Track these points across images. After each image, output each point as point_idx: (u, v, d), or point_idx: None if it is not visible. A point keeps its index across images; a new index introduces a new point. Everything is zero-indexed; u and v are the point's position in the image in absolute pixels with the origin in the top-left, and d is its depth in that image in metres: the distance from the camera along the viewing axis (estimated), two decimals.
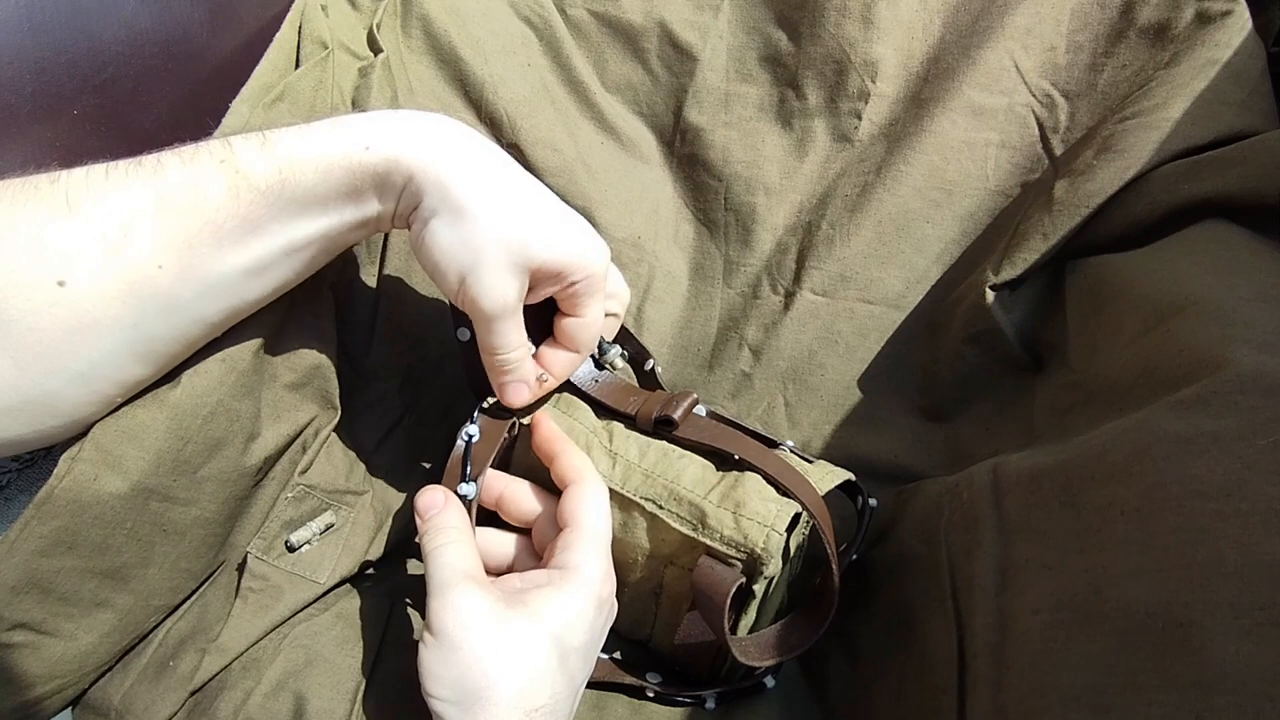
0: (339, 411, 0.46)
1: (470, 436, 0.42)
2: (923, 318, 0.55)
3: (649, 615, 0.44)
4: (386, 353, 0.51)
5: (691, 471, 0.41)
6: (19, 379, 0.32)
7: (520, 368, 0.40)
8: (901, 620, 0.41)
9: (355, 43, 0.52)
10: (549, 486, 0.42)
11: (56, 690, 0.37)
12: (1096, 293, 0.46)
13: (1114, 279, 0.45)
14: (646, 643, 0.45)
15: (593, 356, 0.46)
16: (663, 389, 0.47)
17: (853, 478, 0.44)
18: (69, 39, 0.40)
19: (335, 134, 0.34)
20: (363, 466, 0.49)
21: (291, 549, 0.43)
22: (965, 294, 0.52)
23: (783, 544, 0.38)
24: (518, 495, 0.42)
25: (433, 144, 0.35)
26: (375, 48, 0.52)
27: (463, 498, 0.40)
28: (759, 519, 0.38)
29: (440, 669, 0.32)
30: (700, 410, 0.45)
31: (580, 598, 0.35)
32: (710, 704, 0.42)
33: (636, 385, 0.48)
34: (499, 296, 0.36)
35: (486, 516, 0.43)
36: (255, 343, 0.39)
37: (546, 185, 0.40)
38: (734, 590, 0.37)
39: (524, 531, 0.43)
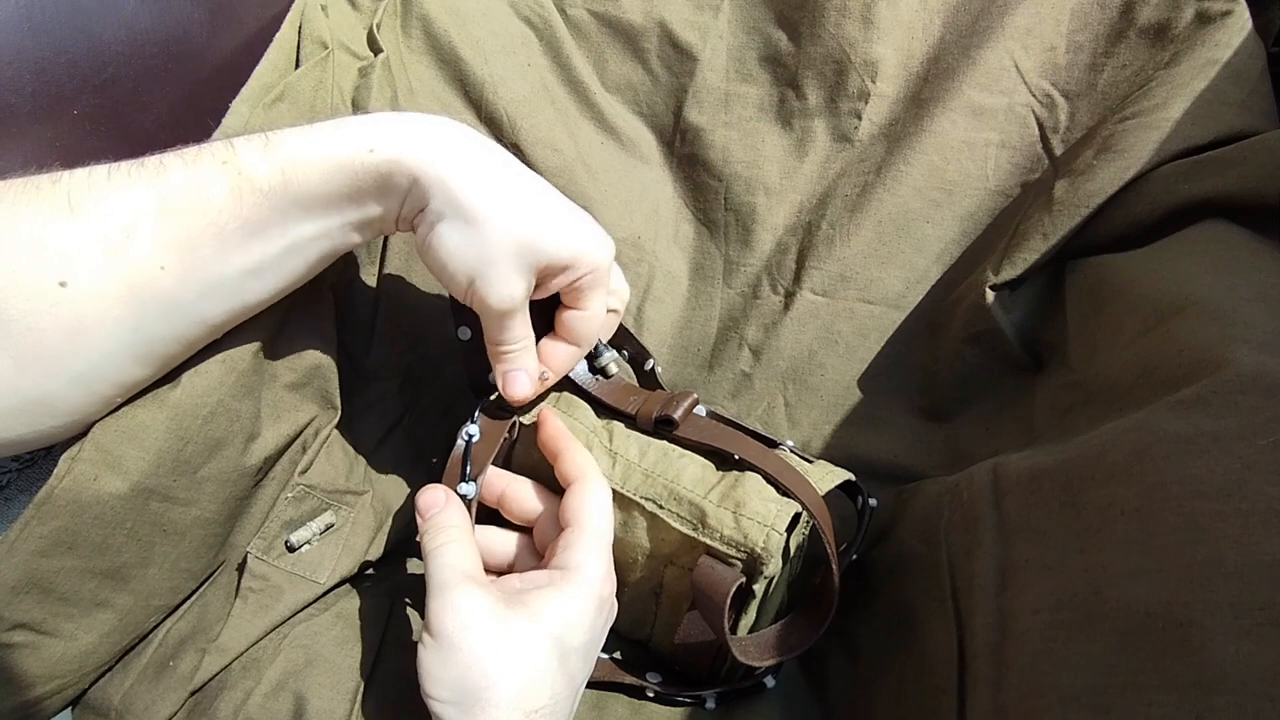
0: (339, 411, 0.46)
1: (470, 436, 0.42)
2: (923, 318, 0.55)
3: (649, 615, 0.44)
4: (386, 353, 0.51)
5: (691, 471, 0.41)
6: (19, 379, 0.32)
7: (524, 358, 0.40)
8: (901, 620, 0.41)
9: (355, 43, 0.52)
10: (551, 486, 0.42)
11: (56, 690, 0.37)
12: (1096, 293, 0.46)
13: (1114, 279, 0.45)
14: (646, 642, 0.45)
15: (589, 360, 0.46)
16: (663, 389, 0.47)
17: (853, 478, 0.44)
18: (69, 39, 0.40)
19: (338, 136, 0.34)
20: (363, 466, 0.49)
21: (291, 549, 0.43)
22: (965, 294, 0.52)
23: (783, 544, 0.38)
24: (519, 494, 0.42)
25: (436, 147, 0.35)
26: (375, 48, 0.52)
27: (463, 497, 0.39)
28: (759, 519, 0.38)
29: (440, 670, 0.32)
30: (700, 410, 0.45)
31: (581, 598, 0.35)
32: (710, 704, 0.42)
33: (637, 385, 0.48)
34: (507, 296, 0.37)
35: (488, 515, 0.43)
36: (255, 343, 0.39)
37: None
38: (734, 590, 0.37)
39: (525, 530, 0.43)
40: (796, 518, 0.39)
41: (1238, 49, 0.47)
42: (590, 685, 0.40)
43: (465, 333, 0.43)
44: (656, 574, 0.42)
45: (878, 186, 0.55)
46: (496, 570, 0.41)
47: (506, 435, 0.43)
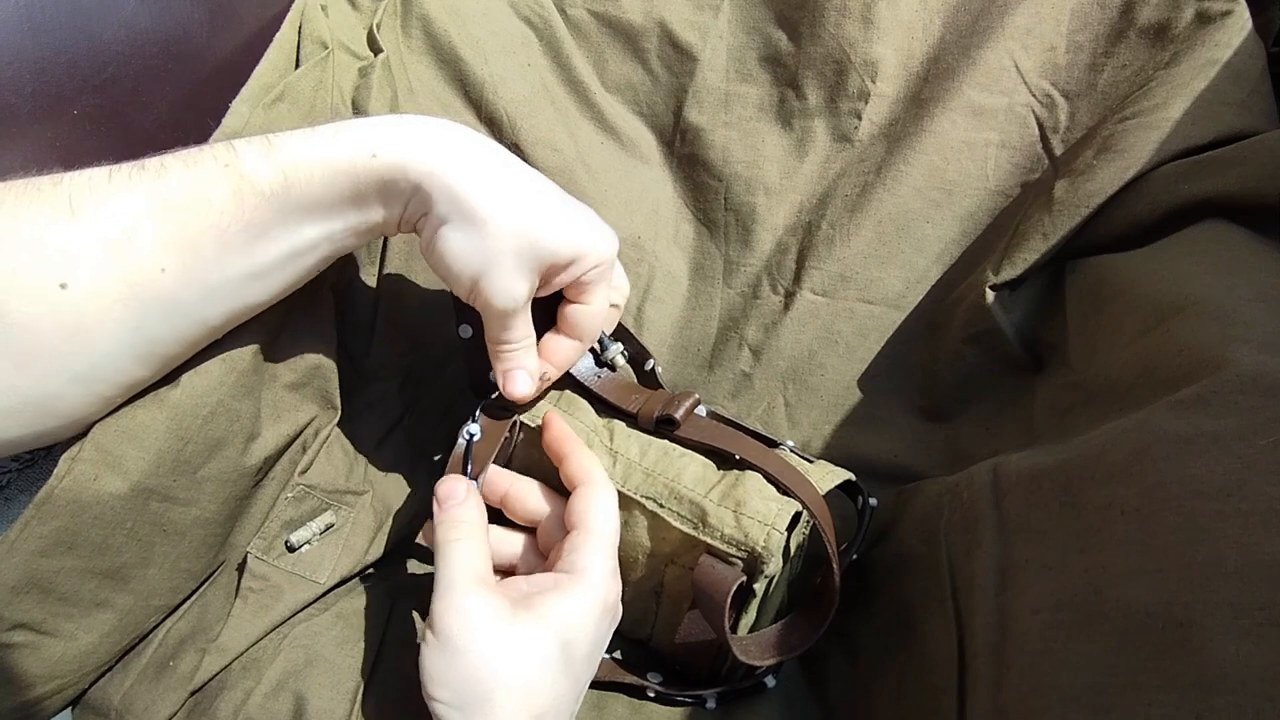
0: (339, 411, 0.46)
1: (472, 435, 0.42)
2: (923, 318, 0.55)
3: (649, 614, 0.44)
4: (386, 353, 0.51)
5: (692, 470, 0.41)
6: (19, 380, 0.32)
7: (525, 357, 0.40)
8: (901, 620, 0.41)
9: (355, 43, 0.52)
10: (553, 485, 0.42)
11: (56, 690, 0.37)
12: (1096, 293, 0.46)
13: (1114, 279, 0.45)
14: (647, 642, 0.45)
15: (595, 354, 0.46)
16: (663, 389, 0.47)
17: (853, 477, 0.44)
18: (69, 39, 0.40)
19: (340, 139, 0.34)
20: (363, 466, 0.49)
21: (291, 549, 0.43)
22: (965, 294, 0.52)
23: (783, 543, 0.38)
24: (523, 494, 0.42)
25: (438, 151, 0.35)
26: (375, 48, 0.52)
27: None
28: (759, 518, 0.38)
29: (443, 672, 0.32)
30: (701, 410, 0.45)
31: (587, 601, 0.35)
32: (711, 704, 0.42)
33: (638, 384, 0.48)
34: (511, 296, 0.37)
35: (491, 513, 0.43)
36: (255, 343, 0.39)
37: None
38: (735, 589, 0.37)
39: (529, 530, 0.43)
40: (797, 517, 0.39)
41: (1238, 49, 0.47)
42: (591, 685, 0.40)
43: (466, 331, 0.43)
44: (657, 573, 0.42)
45: (878, 186, 0.55)
46: (500, 568, 0.41)
47: (508, 434, 0.43)
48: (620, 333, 0.47)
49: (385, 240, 0.50)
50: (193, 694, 0.38)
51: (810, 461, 0.44)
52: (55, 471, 0.34)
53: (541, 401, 0.44)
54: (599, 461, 0.40)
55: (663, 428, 0.43)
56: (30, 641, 0.35)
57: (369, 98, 0.49)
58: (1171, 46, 0.49)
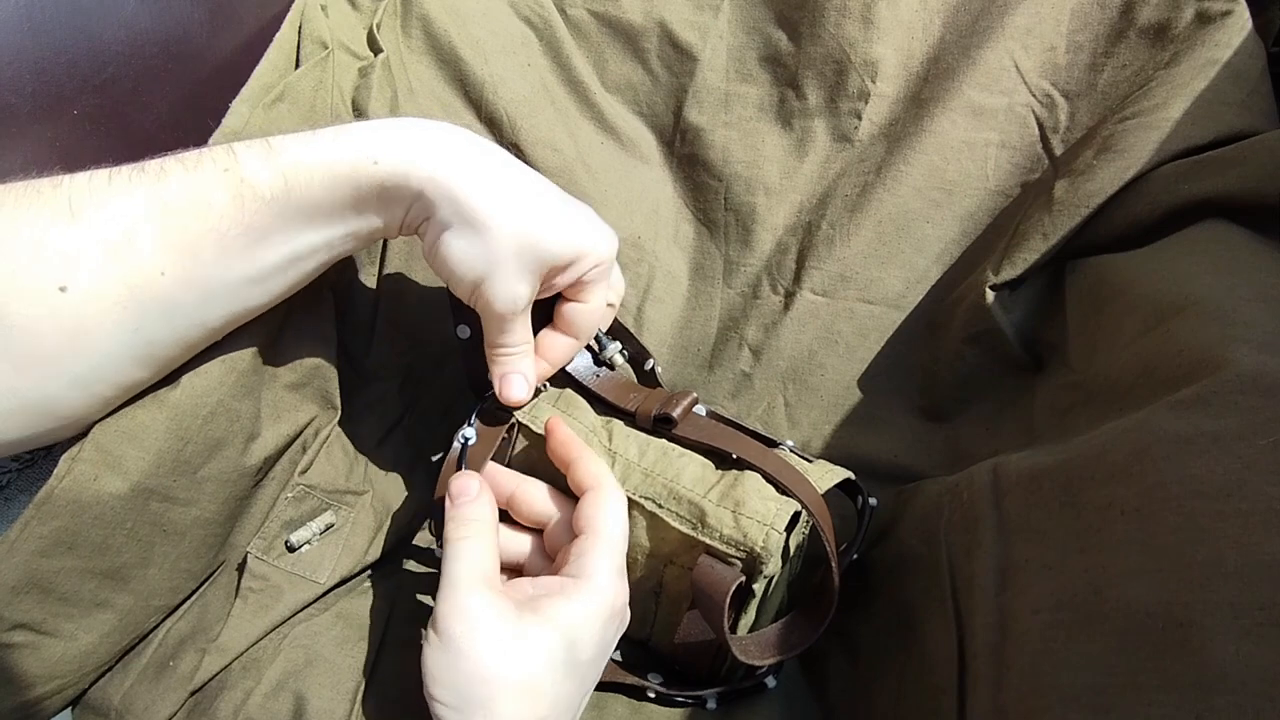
0: (339, 411, 0.46)
1: (466, 439, 0.42)
2: (923, 318, 0.55)
3: (649, 614, 0.44)
4: (386, 353, 0.51)
5: (691, 470, 0.41)
6: (18, 382, 0.32)
7: (522, 362, 0.40)
8: (901, 620, 0.41)
9: (355, 43, 0.52)
10: (559, 487, 0.42)
11: (56, 690, 0.37)
12: (1096, 293, 0.46)
13: (1114, 279, 0.45)
14: (646, 642, 0.45)
15: (593, 353, 0.46)
16: (662, 389, 0.47)
17: (852, 477, 0.44)
18: (69, 39, 0.40)
19: (341, 144, 0.34)
20: (363, 466, 0.49)
21: (291, 549, 0.43)
22: (965, 294, 0.52)
23: (782, 543, 0.38)
24: (529, 496, 0.41)
25: (439, 157, 0.35)
26: (375, 48, 0.52)
27: None
28: (758, 517, 0.38)
29: (443, 673, 0.32)
30: (700, 410, 0.45)
31: (593, 606, 0.34)
32: (711, 704, 0.42)
33: (637, 383, 0.48)
34: (512, 298, 0.37)
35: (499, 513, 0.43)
36: (255, 343, 0.39)
37: None
38: (734, 589, 0.37)
39: (537, 531, 0.42)
40: (796, 517, 0.39)
41: (1238, 49, 0.47)
42: None
43: (465, 331, 0.43)
44: (656, 573, 0.42)
45: (878, 186, 0.55)
46: (506, 567, 0.41)
47: (505, 435, 0.43)
48: (620, 332, 0.47)
49: (385, 241, 0.50)
50: (193, 694, 0.38)
51: (810, 461, 0.44)
52: (55, 471, 0.34)
53: (540, 401, 0.44)
54: (608, 467, 0.40)
55: (660, 426, 0.43)
56: (30, 641, 0.35)
57: (369, 98, 0.49)
58: (1171, 46, 0.49)
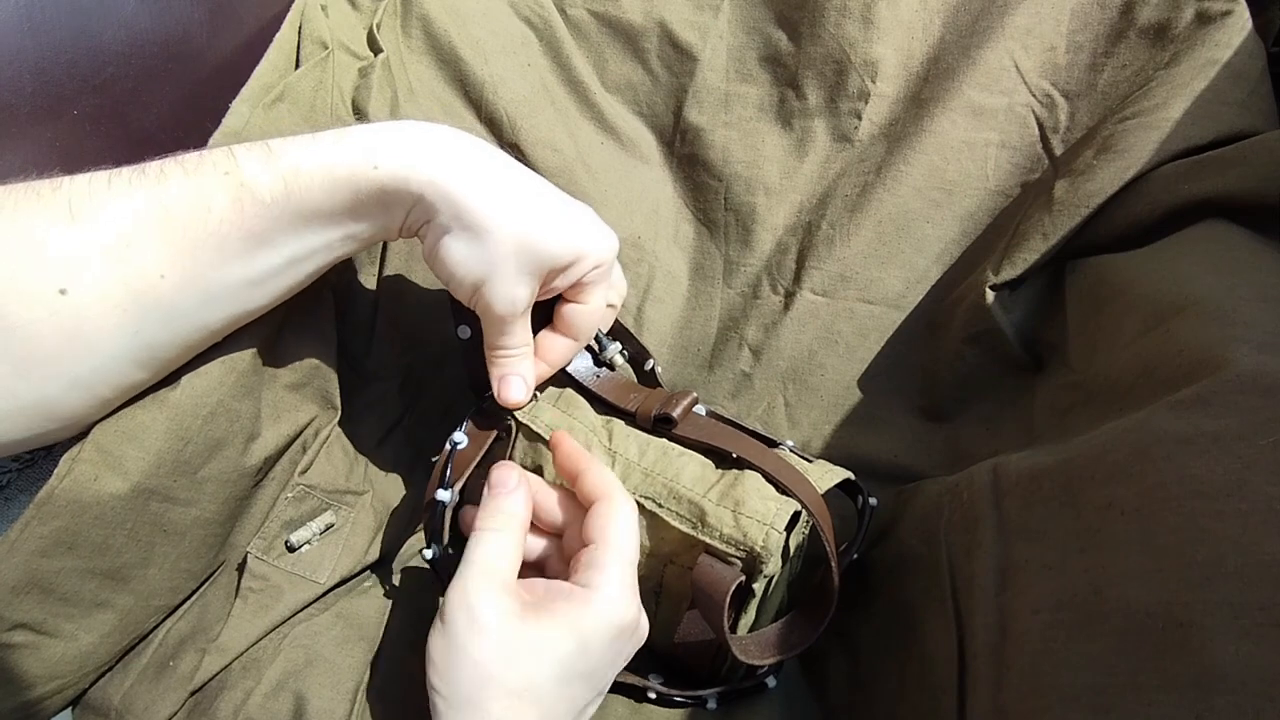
0: (339, 411, 0.46)
1: (455, 444, 0.42)
2: (923, 318, 0.55)
3: (649, 615, 0.44)
4: (386, 353, 0.51)
5: (691, 470, 0.41)
6: (18, 384, 0.32)
7: (521, 364, 0.40)
8: (901, 620, 0.41)
9: (355, 43, 0.52)
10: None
11: (57, 690, 0.37)
12: (1096, 293, 0.46)
13: (1114, 279, 0.45)
14: (646, 642, 0.45)
15: (593, 353, 0.46)
16: (662, 389, 0.47)
17: (852, 476, 0.44)
18: (69, 39, 0.40)
19: (341, 148, 0.34)
20: (363, 466, 0.49)
21: (291, 549, 0.43)
22: (965, 294, 0.52)
23: (782, 542, 0.38)
24: (544, 503, 0.41)
25: (440, 161, 0.35)
26: (375, 48, 0.52)
27: (440, 503, 0.40)
28: (758, 517, 0.38)
29: (442, 662, 0.32)
30: (700, 410, 0.45)
31: (596, 618, 0.34)
32: (711, 704, 0.42)
33: (637, 383, 0.48)
34: (512, 301, 0.37)
35: None
36: (255, 344, 0.39)
37: None
38: (734, 588, 0.37)
39: (557, 534, 0.42)
40: (796, 516, 0.39)
41: (1238, 49, 0.47)
42: None
43: (465, 331, 0.43)
44: (656, 573, 0.42)
45: (878, 186, 0.55)
46: (529, 564, 0.40)
47: (504, 437, 0.43)
48: (619, 332, 0.47)
49: (385, 242, 0.50)
50: (193, 694, 0.38)
51: (809, 461, 0.44)
52: (55, 472, 0.34)
53: (540, 400, 0.44)
54: (616, 477, 0.40)
55: (660, 426, 0.43)
56: (30, 642, 0.35)
57: (369, 98, 0.49)
58: (1171, 46, 0.49)
